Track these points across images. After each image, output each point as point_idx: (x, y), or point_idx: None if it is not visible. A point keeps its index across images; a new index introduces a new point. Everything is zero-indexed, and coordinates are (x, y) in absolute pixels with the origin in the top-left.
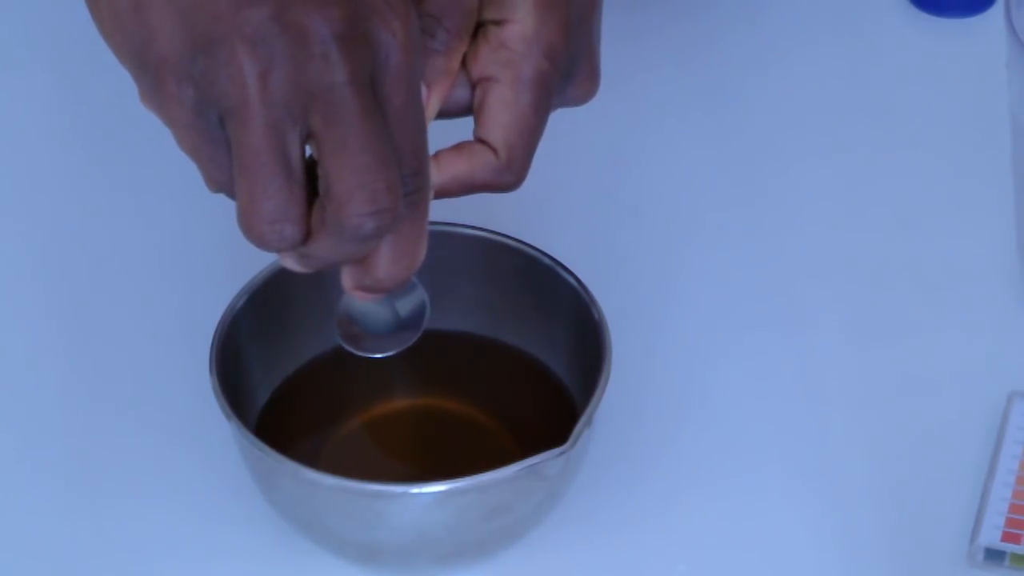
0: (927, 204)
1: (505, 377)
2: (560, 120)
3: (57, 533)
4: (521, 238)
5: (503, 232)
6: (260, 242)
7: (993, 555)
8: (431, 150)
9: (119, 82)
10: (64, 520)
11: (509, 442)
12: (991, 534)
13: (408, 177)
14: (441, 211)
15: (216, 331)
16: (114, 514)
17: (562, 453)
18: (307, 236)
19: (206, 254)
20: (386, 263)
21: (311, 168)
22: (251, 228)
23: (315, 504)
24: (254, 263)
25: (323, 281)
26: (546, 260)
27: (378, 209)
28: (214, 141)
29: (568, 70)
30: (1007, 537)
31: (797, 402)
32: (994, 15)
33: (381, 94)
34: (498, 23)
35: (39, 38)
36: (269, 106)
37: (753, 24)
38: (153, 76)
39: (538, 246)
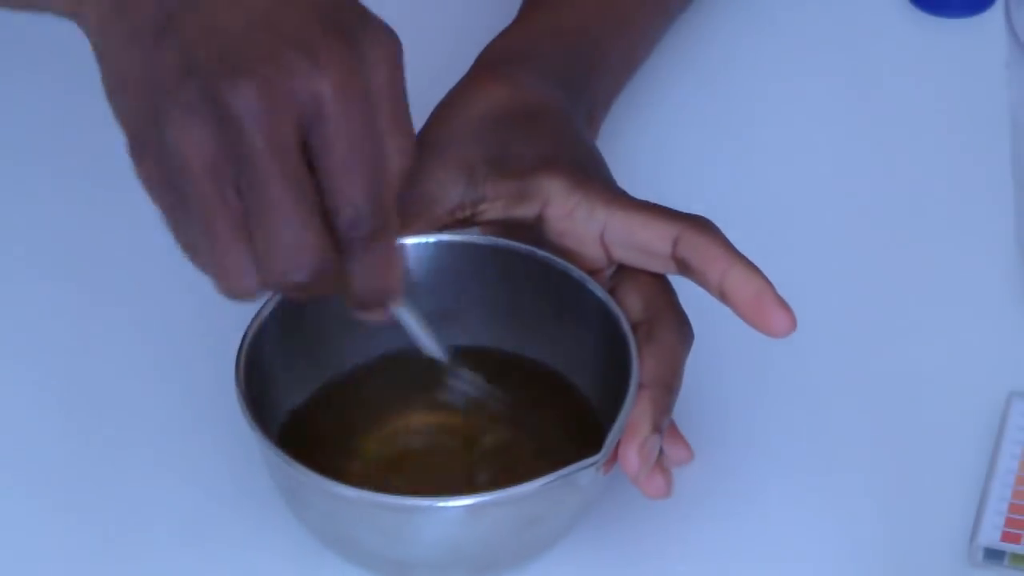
0: (927, 204)
1: (529, 389)
2: None
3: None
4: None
5: (528, 245)
6: (230, 295)
7: (992, 555)
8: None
9: None
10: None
11: (534, 454)
12: (990, 534)
13: (363, 218)
14: None
15: (241, 344)
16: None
17: (595, 463)
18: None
19: None
20: (359, 292)
21: None
22: (217, 284)
23: (347, 520)
24: None
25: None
26: (575, 274)
27: (298, 266)
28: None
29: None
30: (1006, 537)
31: (797, 402)
32: (994, 15)
33: (319, 148)
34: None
35: (44, 38)
36: (207, 172)
37: (752, 24)
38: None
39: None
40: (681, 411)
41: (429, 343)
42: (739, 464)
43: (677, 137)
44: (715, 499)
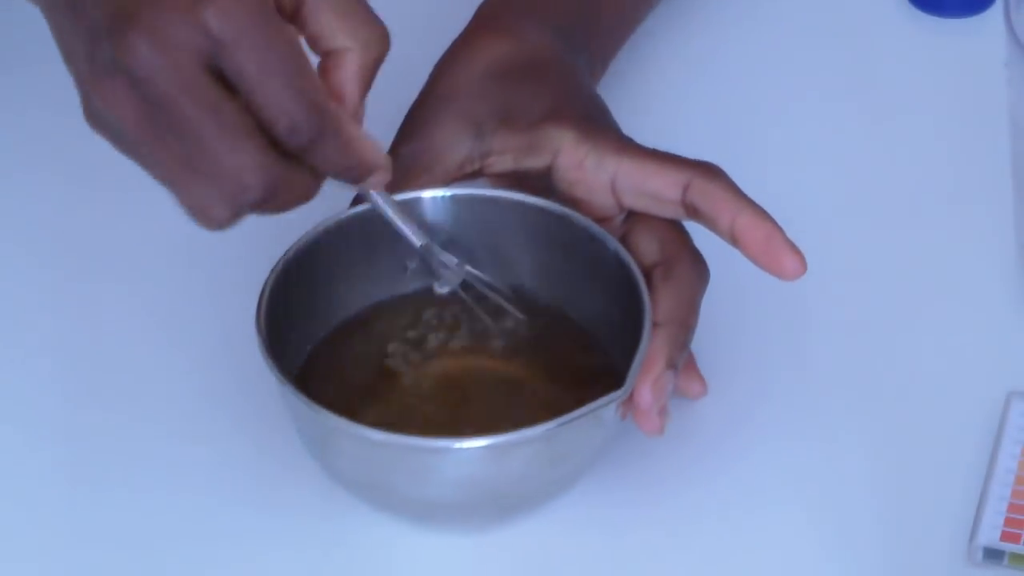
0: (926, 204)
1: (545, 336)
2: None
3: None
4: None
5: (539, 196)
6: (212, 228)
7: (992, 554)
8: None
9: None
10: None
11: (553, 393)
12: (990, 533)
13: (299, 123)
14: None
15: (260, 295)
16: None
17: (617, 398)
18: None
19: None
20: (339, 179)
21: None
22: (195, 222)
23: (371, 462)
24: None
25: (351, 250)
26: (586, 223)
27: (247, 187)
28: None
29: None
30: (1006, 536)
31: (796, 401)
32: (993, 15)
33: (230, 72)
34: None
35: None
36: (139, 127)
37: (752, 23)
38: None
39: None
40: (677, 411)
41: (406, 228)
42: (735, 461)
43: (674, 138)
44: (708, 494)
